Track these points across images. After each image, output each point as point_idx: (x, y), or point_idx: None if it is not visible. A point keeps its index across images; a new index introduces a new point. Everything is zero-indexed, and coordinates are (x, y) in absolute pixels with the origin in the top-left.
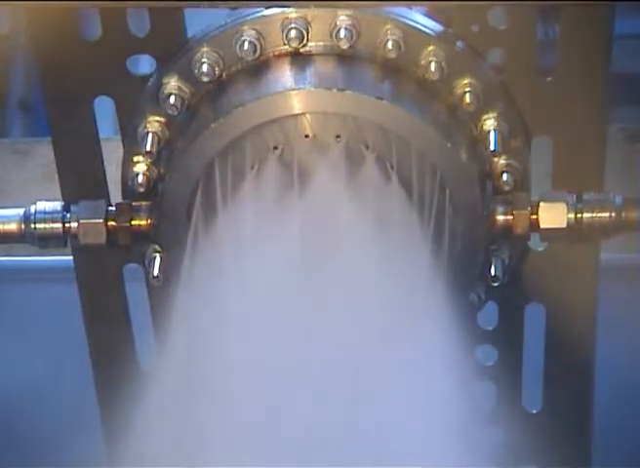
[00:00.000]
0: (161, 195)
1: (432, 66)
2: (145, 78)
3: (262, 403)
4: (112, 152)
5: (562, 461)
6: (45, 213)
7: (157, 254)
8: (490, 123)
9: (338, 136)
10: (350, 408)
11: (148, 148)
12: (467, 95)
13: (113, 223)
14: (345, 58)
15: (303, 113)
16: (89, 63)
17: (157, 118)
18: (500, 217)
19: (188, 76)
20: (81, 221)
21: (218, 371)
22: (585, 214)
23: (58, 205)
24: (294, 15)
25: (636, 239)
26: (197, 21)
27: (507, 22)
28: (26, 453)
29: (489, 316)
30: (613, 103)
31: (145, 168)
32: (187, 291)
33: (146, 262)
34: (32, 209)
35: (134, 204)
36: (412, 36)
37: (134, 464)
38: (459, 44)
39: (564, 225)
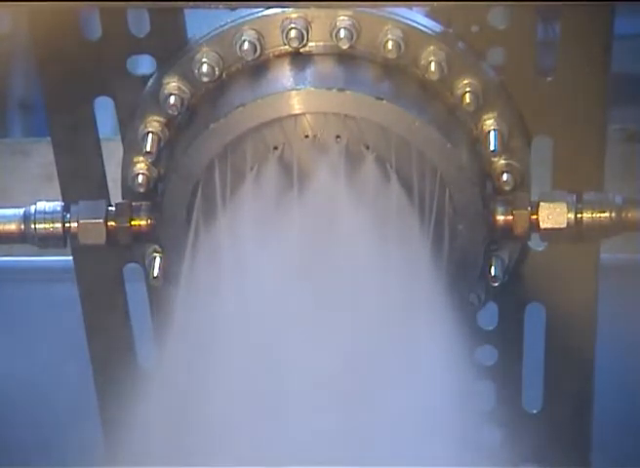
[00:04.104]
0: (161, 195)
1: (432, 66)
2: (145, 78)
3: (263, 403)
4: (112, 152)
5: (562, 461)
6: (45, 213)
7: (157, 255)
8: (490, 123)
9: (338, 137)
10: (350, 408)
11: (148, 148)
12: (467, 95)
13: (113, 223)
14: (345, 58)
15: (303, 113)
16: (89, 63)
17: (157, 118)
18: (500, 217)
19: (188, 76)
20: (81, 221)
21: (218, 371)
22: (585, 214)
23: (58, 205)
24: (294, 15)
25: (636, 239)
26: (197, 21)
27: (507, 22)
28: (26, 453)
29: (489, 316)
30: (613, 103)
31: (145, 168)
32: (187, 291)
33: (146, 262)
34: (32, 209)
35: (134, 204)
36: (412, 36)
37: (134, 464)
38: (459, 44)
39: (564, 225)
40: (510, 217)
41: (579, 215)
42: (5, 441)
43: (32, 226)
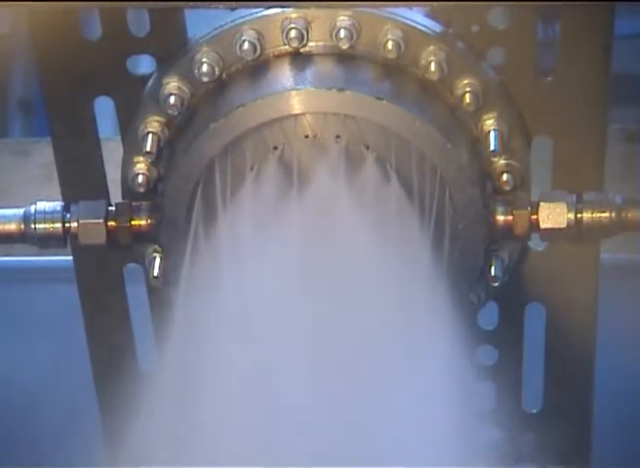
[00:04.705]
0: (161, 195)
1: (432, 66)
2: (145, 78)
3: (264, 404)
4: (112, 152)
5: (562, 461)
6: (45, 213)
7: (157, 255)
8: (490, 123)
9: (338, 137)
10: (350, 408)
11: (148, 148)
12: (467, 95)
13: (113, 223)
14: (345, 58)
15: (303, 113)
16: (89, 63)
17: (157, 118)
18: (500, 217)
19: (188, 76)
20: (81, 221)
21: (218, 372)
22: (585, 214)
23: (58, 205)
24: (294, 15)
25: (636, 239)
26: (197, 21)
27: (507, 22)
28: (26, 454)
29: (489, 316)
30: (613, 103)
31: (145, 168)
32: (187, 291)
33: (146, 262)
34: (32, 209)
35: (134, 204)
36: (412, 36)
37: (134, 465)
38: (459, 44)
39: (564, 225)
40: (510, 217)
41: (579, 215)
42: (5, 441)
43: (32, 226)
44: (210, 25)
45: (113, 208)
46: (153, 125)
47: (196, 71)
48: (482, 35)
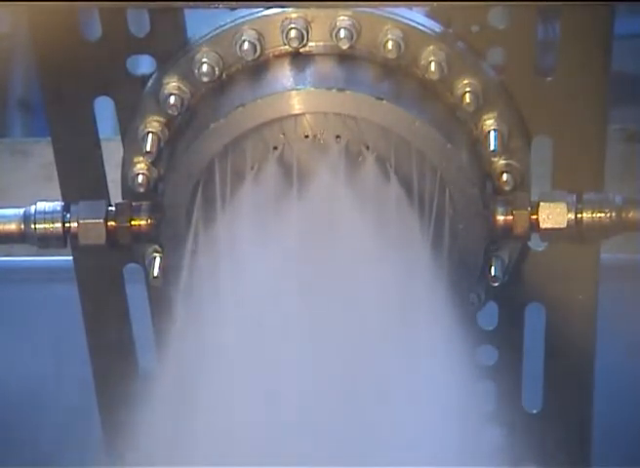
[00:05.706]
0: (161, 195)
1: (432, 66)
2: (145, 78)
3: (264, 404)
4: (112, 152)
5: (562, 461)
6: (45, 213)
7: (157, 255)
8: (490, 123)
9: (338, 137)
10: (351, 408)
11: (148, 148)
12: (467, 95)
13: (113, 223)
14: (345, 58)
15: (303, 113)
16: (89, 63)
17: (157, 118)
18: (500, 217)
19: (188, 76)
20: (81, 221)
21: (218, 372)
22: (585, 214)
23: (58, 205)
24: (294, 15)
25: (636, 239)
26: (197, 21)
27: (507, 22)
28: (26, 454)
29: (489, 316)
30: (613, 103)
31: (145, 168)
32: (188, 291)
33: (146, 262)
34: (32, 209)
35: (134, 204)
36: (412, 36)
37: (134, 465)
38: (459, 44)
39: (564, 225)
40: (510, 217)
41: (579, 215)
42: (5, 441)
43: (32, 226)
44: (210, 25)
45: (113, 208)
46: (153, 125)
47: (196, 71)
48: (482, 35)
